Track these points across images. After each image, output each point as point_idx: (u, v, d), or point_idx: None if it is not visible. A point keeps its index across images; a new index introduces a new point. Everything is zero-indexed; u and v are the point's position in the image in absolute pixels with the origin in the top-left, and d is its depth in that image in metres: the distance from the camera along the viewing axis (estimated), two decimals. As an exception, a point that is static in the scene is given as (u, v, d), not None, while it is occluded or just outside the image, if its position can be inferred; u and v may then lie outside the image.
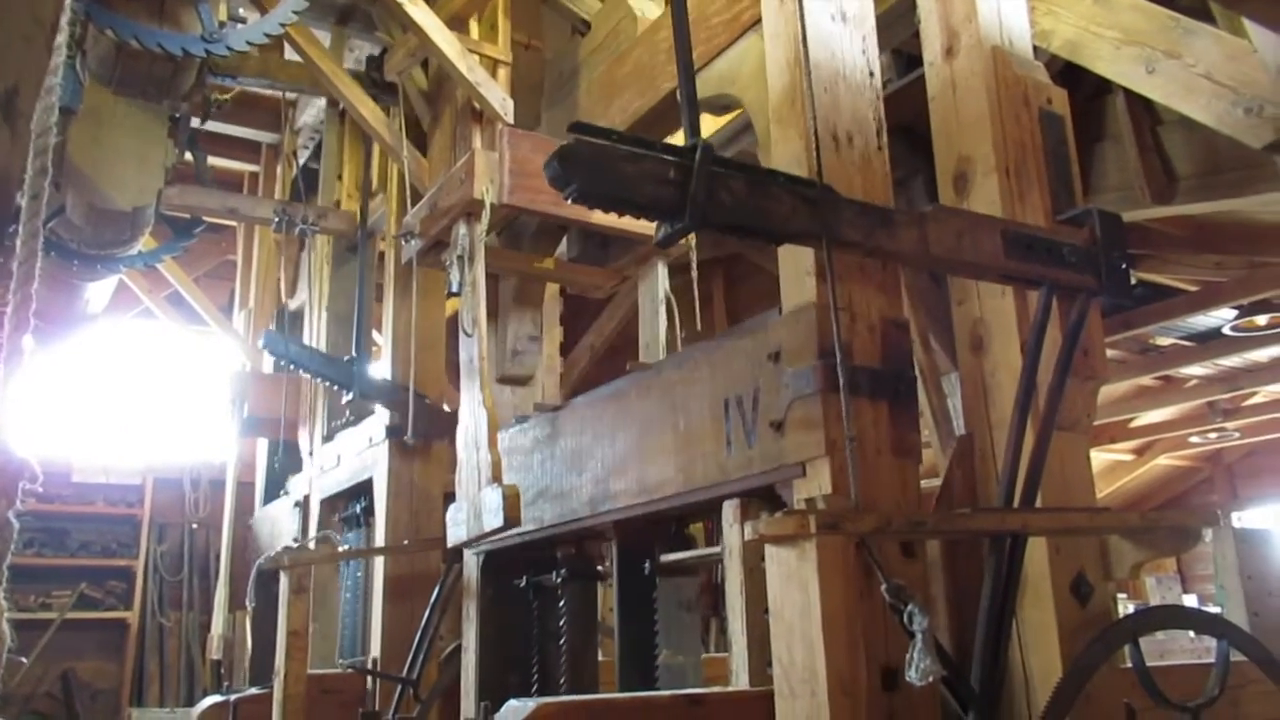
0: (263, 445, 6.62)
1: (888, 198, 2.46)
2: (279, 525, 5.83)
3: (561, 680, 3.37)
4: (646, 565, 3.04)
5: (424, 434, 4.51)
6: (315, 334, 5.83)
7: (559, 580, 3.40)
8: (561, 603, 3.42)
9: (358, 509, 5.07)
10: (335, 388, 4.99)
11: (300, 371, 5.18)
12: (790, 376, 2.24)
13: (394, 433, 4.58)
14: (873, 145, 2.48)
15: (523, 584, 3.57)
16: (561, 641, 3.38)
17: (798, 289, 2.32)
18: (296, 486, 5.76)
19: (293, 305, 6.58)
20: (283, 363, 5.13)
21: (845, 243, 2.02)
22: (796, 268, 2.32)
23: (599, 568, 3.47)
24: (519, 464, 3.48)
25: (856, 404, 2.16)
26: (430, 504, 4.59)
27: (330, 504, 5.32)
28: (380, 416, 4.74)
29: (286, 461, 6.07)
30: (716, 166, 1.87)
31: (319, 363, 4.91)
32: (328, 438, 5.46)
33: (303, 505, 5.51)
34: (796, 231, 1.98)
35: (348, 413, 5.09)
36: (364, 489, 4.90)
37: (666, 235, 1.89)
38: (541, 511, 3.30)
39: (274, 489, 6.34)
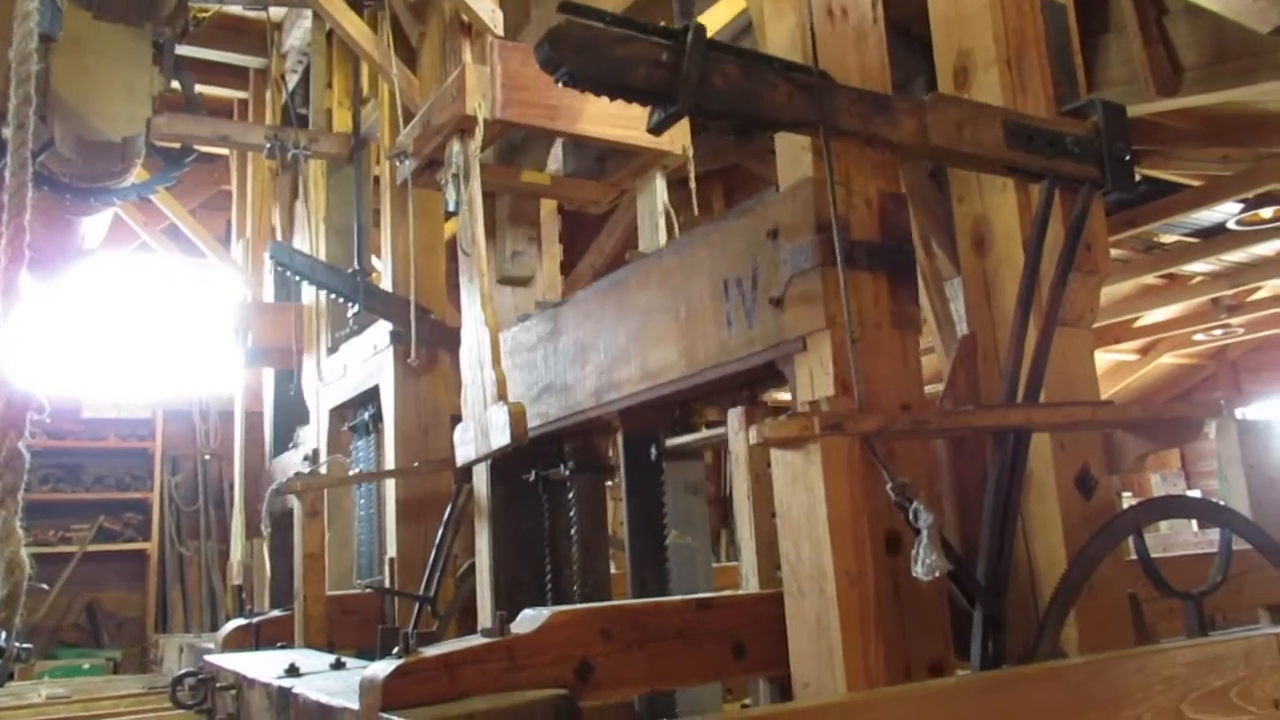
0: (269, 376, 6.65)
1: (885, 74, 2.41)
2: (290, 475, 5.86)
3: (574, 573, 3.45)
4: (653, 450, 3.09)
5: (428, 343, 4.51)
6: (314, 249, 5.79)
7: (567, 474, 3.45)
8: (571, 495, 3.47)
9: (366, 416, 5.10)
10: (341, 300, 4.99)
11: (305, 283, 5.16)
12: (789, 253, 2.24)
13: (397, 338, 4.58)
14: (868, 19, 2.42)
15: (532, 479, 3.62)
16: (572, 532, 3.45)
17: (794, 166, 2.29)
18: (306, 438, 5.78)
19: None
20: (288, 274, 5.11)
21: (843, 131, 2.00)
22: (792, 144, 2.30)
23: (606, 462, 3.51)
24: (523, 361, 3.51)
25: (855, 277, 2.17)
26: (438, 416, 4.60)
27: (339, 413, 5.32)
28: (383, 326, 4.73)
29: (295, 390, 6.08)
30: (710, 51, 1.84)
31: (324, 274, 4.90)
32: (332, 349, 5.45)
33: (312, 458, 5.53)
34: (792, 119, 1.96)
35: (351, 323, 5.09)
36: (371, 396, 4.90)
37: (660, 120, 1.86)
38: (547, 407, 3.33)
39: (282, 419, 6.37)
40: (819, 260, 2.15)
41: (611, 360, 2.99)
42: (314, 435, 5.57)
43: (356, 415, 5.22)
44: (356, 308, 4.84)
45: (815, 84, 1.95)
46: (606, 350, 3.02)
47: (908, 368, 2.22)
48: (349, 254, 5.29)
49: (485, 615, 3.51)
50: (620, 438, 3.13)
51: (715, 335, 2.52)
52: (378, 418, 4.88)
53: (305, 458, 5.42)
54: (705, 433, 3.00)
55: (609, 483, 3.58)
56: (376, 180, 5.43)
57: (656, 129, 1.91)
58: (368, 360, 4.88)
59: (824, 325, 2.14)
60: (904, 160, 2.38)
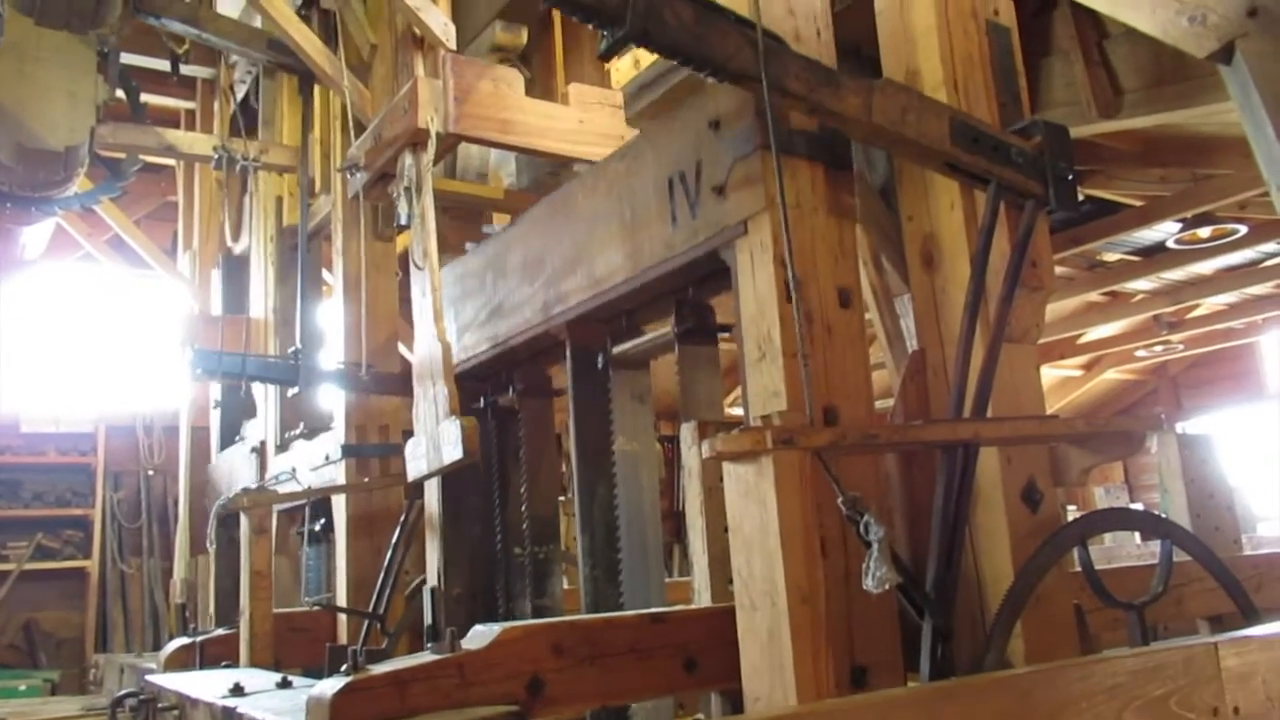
0: (215, 388, 6.53)
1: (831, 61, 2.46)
2: (236, 471, 5.76)
3: (523, 494, 3.54)
4: (600, 359, 3.14)
5: (378, 391, 4.47)
6: (265, 266, 5.70)
7: (515, 396, 3.51)
8: (519, 417, 3.55)
9: (317, 527, 5.00)
10: (280, 387, 4.86)
11: (251, 303, 5.04)
12: (729, 139, 2.32)
13: (351, 452, 4.49)
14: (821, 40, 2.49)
15: (481, 405, 3.67)
16: (520, 454, 3.54)
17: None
18: (252, 431, 5.68)
19: (237, 250, 6.44)
20: (220, 379, 4.90)
21: (787, 92, 2.04)
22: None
23: (552, 386, 3.59)
24: (472, 288, 3.53)
25: (793, 163, 2.25)
26: (391, 515, 4.41)
27: (288, 517, 5.25)
28: (335, 433, 4.63)
29: (242, 403, 5.98)
30: None
31: (258, 367, 4.73)
32: (281, 447, 5.31)
33: (259, 450, 5.44)
34: (738, 70, 2.00)
35: (301, 424, 4.97)
36: (324, 506, 4.82)
37: (608, 45, 1.90)
38: (495, 329, 3.37)
39: (229, 432, 6.26)
40: (759, 142, 2.23)
41: (559, 273, 3.03)
42: (261, 430, 5.47)
43: (311, 522, 5.08)
44: (296, 390, 4.69)
45: (767, 43, 2.00)
46: (553, 264, 3.06)
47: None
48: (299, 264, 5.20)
49: (433, 545, 3.59)
50: (569, 351, 3.16)
51: (660, 234, 2.59)
52: (329, 528, 4.77)
53: (252, 449, 5.32)
54: (649, 335, 3.03)
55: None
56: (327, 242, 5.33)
57: (605, 54, 1.95)
58: (319, 471, 4.75)
59: (764, 206, 2.22)
60: (849, 135, 2.42)
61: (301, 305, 5.17)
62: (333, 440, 4.63)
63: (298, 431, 5.07)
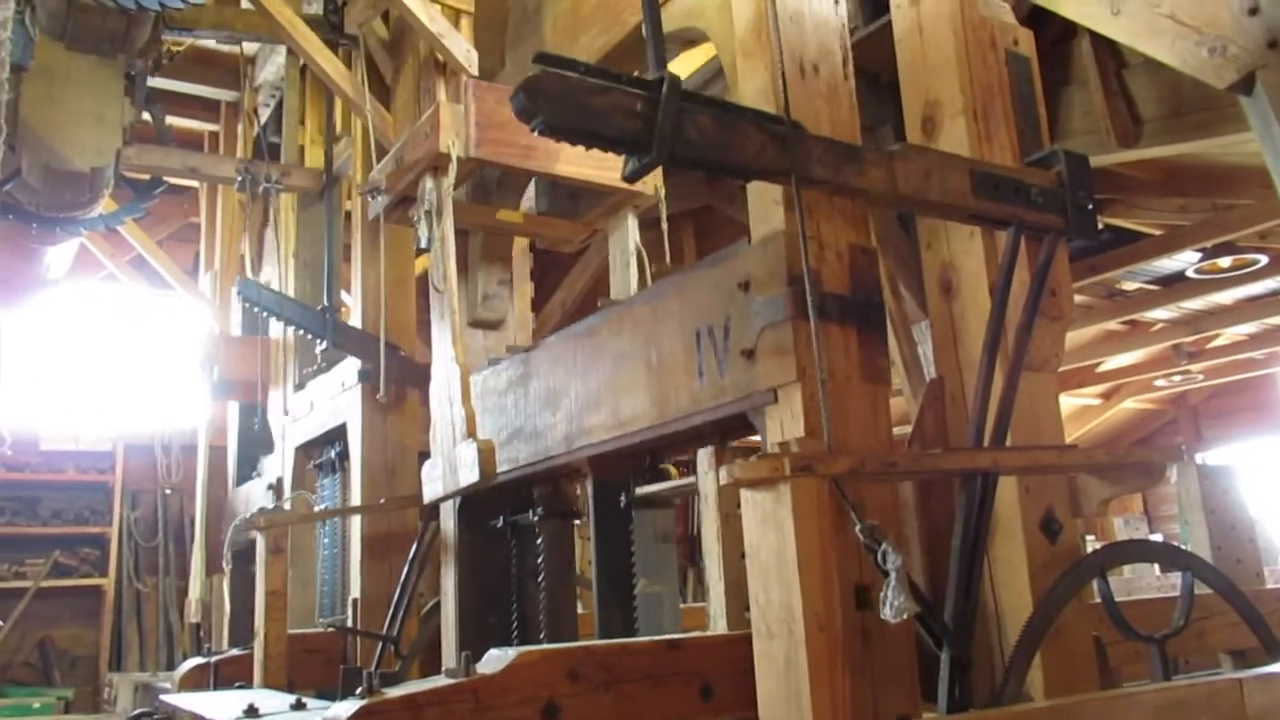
0: (234, 409, 6.57)
1: (854, 128, 2.46)
2: (253, 506, 5.79)
3: (541, 618, 3.43)
4: (622, 498, 3.09)
5: (397, 380, 4.49)
6: (283, 284, 5.75)
7: (536, 519, 3.44)
8: (539, 540, 3.46)
9: (332, 454, 5.05)
10: (310, 337, 4.96)
11: (273, 319, 5.13)
12: (760, 304, 2.26)
13: (366, 376, 4.55)
14: (839, 75, 2.47)
15: (500, 525, 3.60)
16: (540, 579, 3.43)
17: (766, 218, 2.33)
18: (269, 467, 5.71)
19: (261, 279, 6.48)
20: (257, 310, 5.08)
21: (813, 180, 2.03)
22: (764, 198, 2.33)
23: (575, 507, 3.50)
24: (493, 405, 3.49)
25: (826, 330, 2.20)
26: (405, 454, 4.56)
27: (305, 450, 5.27)
28: (352, 362, 4.71)
29: (260, 424, 6.02)
30: (684, 102, 1.87)
31: (293, 310, 4.88)
32: (299, 386, 5.39)
33: (276, 487, 5.47)
34: (764, 168, 1.99)
35: (319, 360, 5.06)
36: (338, 434, 4.86)
37: (634, 169, 1.89)
38: (516, 451, 3.32)
39: (246, 452, 6.29)
40: (791, 313, 2.17)
41: (582, 406, 2.98)
42: (278, 467, 5.51)
43: (323, 453, 5.17)
44: (325, 344, 4.80)
45: (787, 134, 1.99)
46: (577, 396, 3.01)
47: (877, 420, 2.25)
48: (318, 290, 5.26)
49: (450, 655, 3.47)
50: (590, 484, 3.12)
51: (686, 385, 2.52)
52: (344, 455, 4.83)
53: (269, 486, 5.36)
54: (675, 481, 3.00)
55: (577, 522, 3.57)
56: (348, 216, 5.42)
57: (631, 177, 1.93)
58: (335, 397, 4.85)
59: (795, 377, 2.15)
60: (873, 208, 2.42)
61: (328, 289, 5.21)
62: (349, 369, 4.68)
63: (315, 368, 5.13)
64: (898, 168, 2.11)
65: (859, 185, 2.08)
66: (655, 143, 1.82)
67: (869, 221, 2.41)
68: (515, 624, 3.57)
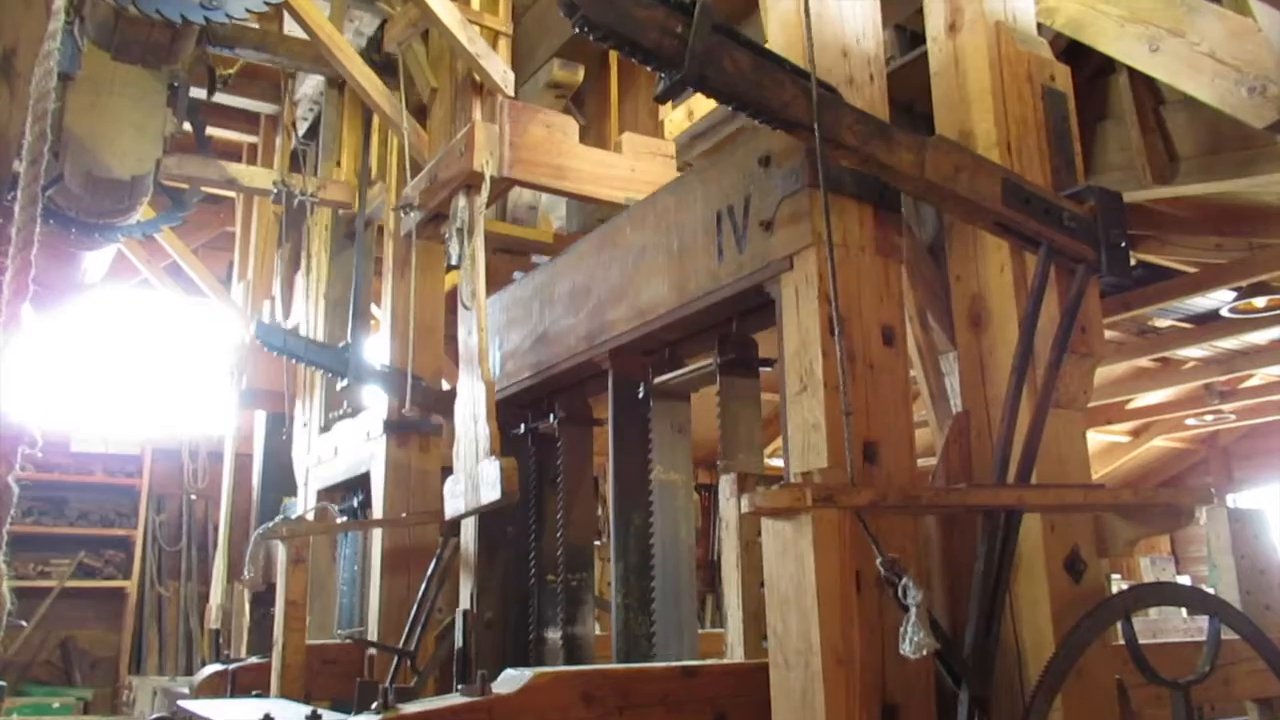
0: (260, 417, 6.63)
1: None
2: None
3: (559, 527, 3.55)
4: (641, 389, 3.16)
5: (421, 404, 4.52)
6: (312, 318, 5.80)
7: (556, 423, 3.55)
8: (559, 444, 3.58)
9: (355, 503, 5.08)
10: (330, 375, 5.01)
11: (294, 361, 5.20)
12: (779, 176, 2.35)
13: (392, 428, 4.59)
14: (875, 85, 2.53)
15: (521, 432, 3.72)
16: (558, 481, 3.57)
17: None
18: (294, 510, 5.74)
19: (291, 319, 6.52)
20: (277, 354, 5.12)
21: (840, 144, 2.06)
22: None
23: (593, 415, 3.63)
24: (519, 315, 3.59)
25: (841, 202, 2.28)
26: (429, 497, 4.56)
27: (327, 495, 5.33)
28: (377, 410, 4.73)
29: (287, 435, 6.06)
30: (728, 39, 1.93)
31: (312, 351, 4.90)
32: (325, 428, 5.44)
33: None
34: (791, 119, 2.02)
35: (345, 404, 5.09)
36: (361, 482, 4.90)
37: (665, 88, 1.94)
38: (539, 356, 3.42)
39: (271, 461, 6.34)
40: (808, 180, 2.26)
41: (604, 302, 3.08)
42: (301, 509, 5.56)
43: (345, 500, 5.22)
44: (345, 381, 4.83)
45: (822, 94, 2.02)
46: (600, 293, 3.11)
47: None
48: (345, 323, 5.32)
49: (468, 570, 3.65)
50: (611, 379, 3.19)
51: (707, 267, 2.63)
52: (366, 504, 4.86)
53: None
54: (692, 366, 3.05)
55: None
56: (380, 231, 5.47)
57: (663, 97, 1.98)
58: (360, 446, 4.88)
59: (810, 242, 2.24)
60: (900, 188, 2.43)
61: (352, 326, 5.24)
62: (374, 418, 4.72)
63: (341, 411, 5.19)
64: (928, 155, 2.13)
65: (886, 161, 2.10)
66: (687, 62, 1.87)
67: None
68: (533, 531, 3.68)
